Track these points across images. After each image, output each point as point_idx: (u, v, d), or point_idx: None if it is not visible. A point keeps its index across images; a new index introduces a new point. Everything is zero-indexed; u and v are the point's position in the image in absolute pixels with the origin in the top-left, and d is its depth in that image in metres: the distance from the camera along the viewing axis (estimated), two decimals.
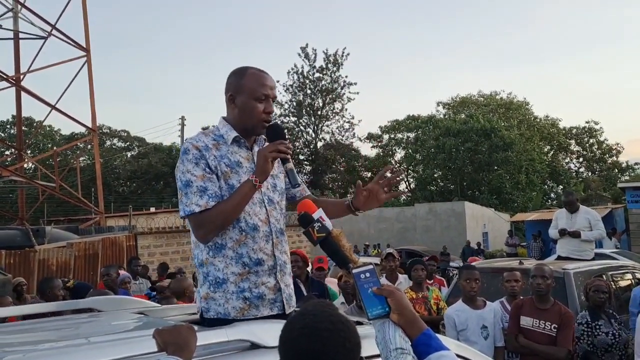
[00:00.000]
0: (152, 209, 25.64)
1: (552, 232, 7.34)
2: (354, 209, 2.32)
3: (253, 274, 2.12)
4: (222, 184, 2.12)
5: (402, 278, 5.95)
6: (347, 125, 42.06)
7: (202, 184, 2.07)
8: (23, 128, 21.96)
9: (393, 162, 44.47)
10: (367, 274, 1.57)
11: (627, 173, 44.76)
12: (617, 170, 45.22)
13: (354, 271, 1.58)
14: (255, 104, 2.16)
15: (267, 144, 2.20)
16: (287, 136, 2.20)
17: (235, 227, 2.12)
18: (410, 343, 1.45)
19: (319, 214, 1.82)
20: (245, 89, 2.17)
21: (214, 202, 2.06)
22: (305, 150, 42.07)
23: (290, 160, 2.13)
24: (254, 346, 1.74)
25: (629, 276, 6.21)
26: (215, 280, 2.11)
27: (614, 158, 46.16)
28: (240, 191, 2.08)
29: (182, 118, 33.38)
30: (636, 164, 45.51)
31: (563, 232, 6.98)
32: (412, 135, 42.92)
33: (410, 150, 42.43)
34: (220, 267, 2.11)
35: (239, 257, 2.11)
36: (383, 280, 1.74)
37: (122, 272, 7.90)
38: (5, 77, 16.54)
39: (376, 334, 1.50)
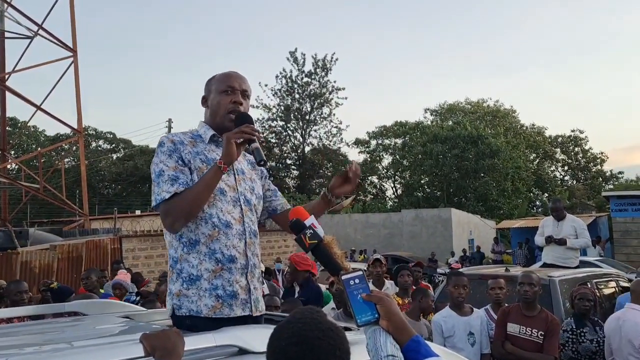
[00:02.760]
0: (138, 212, 25.43)
1: (539, 240, 7.41)
2: (329, 196, 2.35)
3: (226, 270, 2.13)
4: (195, 178, 2.13)
5: (389, 284, 5.95)
6: (334, 130, 42.27)
7: (174, 173, 2.10)
8: (7, 128, 21.70)
9: (380, 167, 44.64)
10: (357, 280, 1.56)
11: (612, 182, 45.30)
12: (601, 179, 45.77)
13: (343, 277, 1.57)
14: (221, 96, 2.25)
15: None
16: (254, 122, 2.23)
17: (207, 222, 2.13)
18: (400, 350, 1.44)
19: (311, 220, 1.81)
20: (213, 88, 2.29)
21: (182, 188, 2.07)
22: (293, 154, 42.13)
23: (257, 141, 2.11)
24: (242, 351, 1.72)
25: (613, 284, 6.27)
26: (189, 277, 2.11)
27: (599, 167, 46.76)
28: (206, 176, 2.08)
29: (169, 120, 33.25)
30: (620, 172, 46.17)
31: (549, 240, 7.03)
32: (399, 141, 43.15)
33: (397, 156, 42.65)
34: (195, 263, 2.12)
35: (212, 253, 2.12)
36: (371, 286, 1.74)
37: (118, 276, 7.81)
38: None
39: (367, 341, 1.49)
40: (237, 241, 2.16)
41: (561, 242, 6.91)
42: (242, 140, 2.08)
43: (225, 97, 2.24)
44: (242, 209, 2.22)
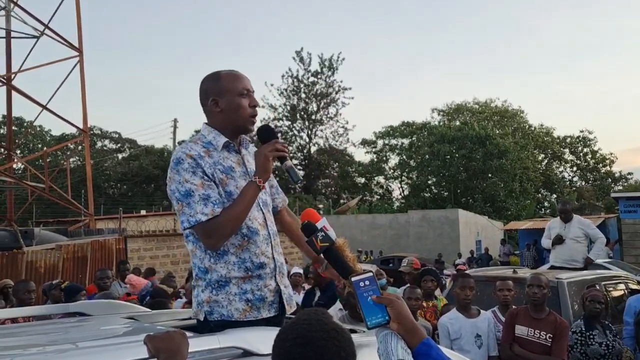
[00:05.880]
0: (143, 212, 25.53)
1: (545, 242, 7.36)
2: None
3: (255, 277, 2.13)
4: (221, 191, 2.11)
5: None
6: (341, 130, 42.21)
7: (204, 192, 2.05)
8: (13, 128, 21.80)
9: (387, 168, 44.60)
10: (367, 282, 1.54)
11: (621, 183, 45.04)
12: (610, 180, 45.50)
13: (352, 279, 1.54)
14: (240, 100, 2.19)
15: (252, 145, 2.31)
16: (278, 135, 2.22)
17: (237, 234, 2.11)
18: (411, 354, 1.41)
19: (322, 223, 1.80)
20: (226, 89, 2.19)
21: (220, 209, 2.04)
22: (299, 154, 42.07)
23: (288, 157, 2.14)
24: (247, 353, 1.72)
25: (622, 286, 6.21)
26: (217, 284, 2.11)
27: (608, 168, 46.47)
28: (247, 194, 2.08)
29: (175, 120, 33.47)
30: (629, 173, 45.89)
31: (558, 240, 6.98)
32: (406, 141, 43.08)
33: (404, 157, 42.58)
34: (223, 273, 2.10)
35: (241, 262, 2.11)
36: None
37: (147, 280, 7.78)
38: None
39: (378, 344, 1.46)
40: (265, 246, 2.17)
41: (588, 261, 6.87)
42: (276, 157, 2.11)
43: (244, 100, 2.20)
44: (263, 212, 2.23)
